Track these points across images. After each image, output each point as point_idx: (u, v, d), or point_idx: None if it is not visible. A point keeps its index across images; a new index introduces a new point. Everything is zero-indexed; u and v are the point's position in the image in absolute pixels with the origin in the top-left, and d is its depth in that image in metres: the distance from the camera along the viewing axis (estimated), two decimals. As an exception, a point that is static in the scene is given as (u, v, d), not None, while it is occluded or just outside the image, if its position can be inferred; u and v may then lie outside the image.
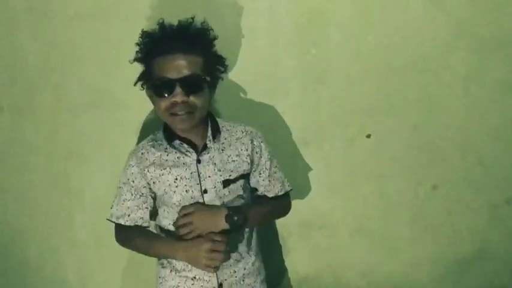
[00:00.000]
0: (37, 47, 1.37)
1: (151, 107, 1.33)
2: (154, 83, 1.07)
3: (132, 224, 1.17)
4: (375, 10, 1.30)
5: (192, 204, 1.14)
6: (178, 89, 1.05)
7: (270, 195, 1.24)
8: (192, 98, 1.07)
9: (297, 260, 1.45)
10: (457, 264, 1.42)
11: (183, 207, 1.14)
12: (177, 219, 1.14)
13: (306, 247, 1.43)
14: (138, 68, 1.18)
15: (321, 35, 1.32)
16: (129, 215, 1.16)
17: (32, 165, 1.44)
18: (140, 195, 1.16)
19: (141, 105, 1.35)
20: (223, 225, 1.11)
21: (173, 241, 1.15)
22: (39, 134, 1.42)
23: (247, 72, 1.33)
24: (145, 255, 1.21)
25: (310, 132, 1.37)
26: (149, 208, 1.18)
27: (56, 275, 1.49)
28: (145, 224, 1.18)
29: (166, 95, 1.06)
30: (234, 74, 1.33)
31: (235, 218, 1.11)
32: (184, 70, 1.05)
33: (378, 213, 1.40)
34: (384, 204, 1.40)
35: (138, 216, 1.17)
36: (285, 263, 1.45)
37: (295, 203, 1.40)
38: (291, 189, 1.28)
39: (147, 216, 1.18)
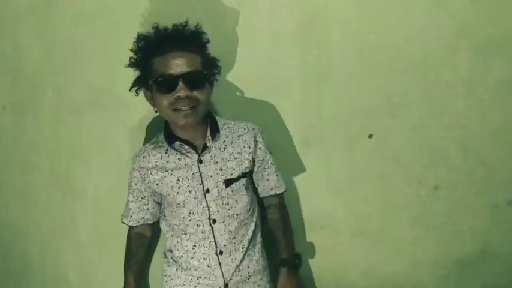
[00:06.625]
0: (39, 46, 1.38)
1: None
2: (156, 81, 1.08)
3: (134, 225, 1.25)
4: (377, 10, 1.30)
5: None
6: (181, 84, 1.07)
7: (280, 190, 1.28)
8: (195, 93, 1.09)
9: (298, 259, 1.44)
10: (459, 264, 1.42)
11: None
12: None
13: (306, 247, 1.43)
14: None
15: (322, 35, 1.32)
16: (131, 216, 1.24)
17: (34, 164, 1.44)
18: (142, 198, 1.22)
19: (143, 104, 1.34)
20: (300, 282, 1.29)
21: None
22: (41, 133, 1.43)
23: (249, 72, 1.33)
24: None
25: (311, 132, 1.37)
26: (150, 209, 1.24)
27: (58, 274, 1.49)
28: (148, 222, 1.26)
29: (169, 91, 1.07)
30: (236, 74, 1.33)
31: (297, 261, 1.29)
32: (185, 66, 1.07)
33: (379, 213, 1.40)
34: (385, 204, 1.40)
35: (139, 217, 1.24)
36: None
37: (296, 203, 1.41)
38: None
39: (149, 215, 1.25)
